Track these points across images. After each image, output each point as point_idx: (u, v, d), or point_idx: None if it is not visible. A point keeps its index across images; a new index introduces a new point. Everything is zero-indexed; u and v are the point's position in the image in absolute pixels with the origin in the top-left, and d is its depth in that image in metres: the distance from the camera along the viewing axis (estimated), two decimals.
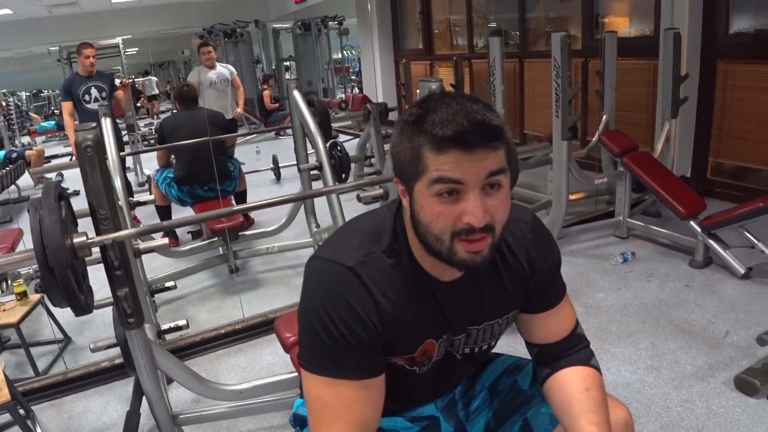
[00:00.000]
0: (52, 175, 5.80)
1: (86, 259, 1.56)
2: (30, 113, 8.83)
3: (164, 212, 4.18)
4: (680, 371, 2.29)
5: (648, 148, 4.03)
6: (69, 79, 4.91)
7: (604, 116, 4.13)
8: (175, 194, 4.00)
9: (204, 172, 3.88)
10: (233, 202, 4.27)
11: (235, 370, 2.65)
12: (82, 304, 1.49)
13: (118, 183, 3.03)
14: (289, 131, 3.94)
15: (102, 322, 3.07)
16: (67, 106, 4.79)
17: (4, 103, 8.26)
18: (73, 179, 5.14)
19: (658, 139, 3.98)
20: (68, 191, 1.63)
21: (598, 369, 1.13)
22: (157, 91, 9.46)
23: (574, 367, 1.11)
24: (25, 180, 5.91)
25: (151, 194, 4.30)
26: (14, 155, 6.14)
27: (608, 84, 4.11)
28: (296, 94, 3.26)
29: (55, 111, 8.58)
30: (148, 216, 4.66)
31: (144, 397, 1.89)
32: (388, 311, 0.97)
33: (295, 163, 3.54)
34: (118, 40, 6.89)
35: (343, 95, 10.05)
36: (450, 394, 1.27)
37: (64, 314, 2.91)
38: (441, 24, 7.63)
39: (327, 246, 1.04)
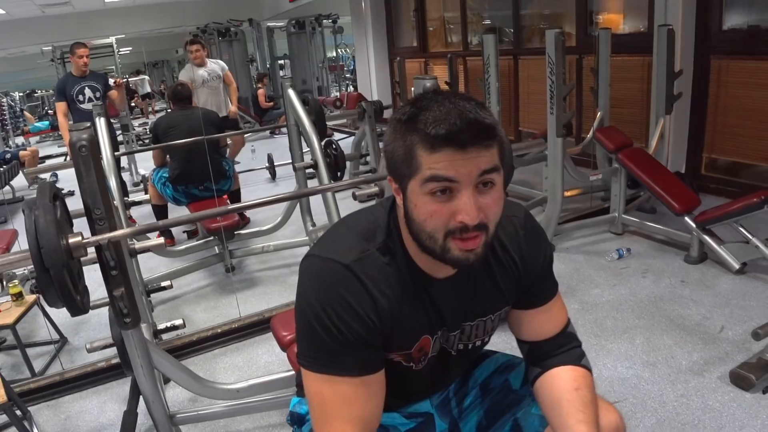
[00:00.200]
0: (47, 176, 5.78)
1: (82, 259, 1.55)
2: (24, 111, 8.79)
3: (161, 211, 4.17)
4: (676, 366, 2.30)
5: (642, 145, 4.05)
6: (63, 80, 4.89)
7: (599, 113, 4.14)
8: (170, 194, 3.99)
9: (199, 172, 3.87)
10: (228, 201, 4.27)
11: (232, 369, 2.65)
12: (78, 305, 1.48)
13: (113, 183, 3.02)
14: (284, 130, 3.94)
15: (98, 322, 3.07)
16: (61, 107, 4.77)
17: None
18: (67, 179, 5.13)
19: (652, 135, 3.99)
20: (63, 191, 1.62)
21: (589, 369, 1.13)
22: (149, 90, 9.44)
23: (564, 367, 1.11)
24: (20, 180, 5.89)
25: (146, 194, 4.29)
26: (8, 156, 6.11)
27: (602, 81, 4.12)
28: (291, 92, 3.25)
29: (49, 111, 8.56)
30: (143, 216, 4.66)
31: (141, 397, 1.89)
32: (385, 307, 0.97)
33: (290, 161, 3.54)
34: (112, 39, 6.87)
35: (337, 93, 10.05)
36: (445, 391, 1.28)
37: (60, 315, 2.91)
38: (435, 22, 7.63)
39: (321, 244, 1.04)
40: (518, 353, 1.22)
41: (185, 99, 4.18)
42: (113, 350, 1.93)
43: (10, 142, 7.96)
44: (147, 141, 5.23)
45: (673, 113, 3.93)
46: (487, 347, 1.26)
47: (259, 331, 2.88)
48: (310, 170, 3.22)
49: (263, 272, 3.78)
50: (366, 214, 1.06)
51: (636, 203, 3.98)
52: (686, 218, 3.18)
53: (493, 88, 3.92)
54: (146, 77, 9.56)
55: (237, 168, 4.63)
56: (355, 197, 2.46)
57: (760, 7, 4.01)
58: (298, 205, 3.75)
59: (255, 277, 3.73)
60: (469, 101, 0.88)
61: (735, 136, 4.14)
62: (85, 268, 1.65)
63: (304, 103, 3.30)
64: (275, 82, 9.70)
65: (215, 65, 5.49)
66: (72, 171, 1.54)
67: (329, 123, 5.03)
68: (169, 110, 4.65)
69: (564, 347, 1.14)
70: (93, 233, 1.54)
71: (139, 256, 2.53)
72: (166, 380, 2.37)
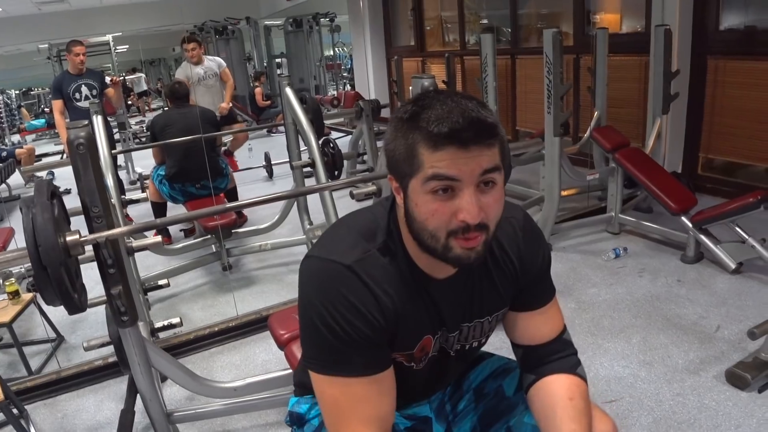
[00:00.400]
0: (43, 174, 5.77)
1: (79, 257, 1.55)
2: (21, 107, 8.75)
3: (160, 209, 4.16)
4: (672, 365, 2.31)
5: (639, 144, 4.05)
6: (59, 78, 4.88)
7: (596, 112, 4.15)
8: (167, 191, 3.99)
9: (196, 170, 3.87)
10: (225, 200, 4.26)
11: (229, 368, 2.65)
12: (76, 303, 1.48)
13: (110, 181, 3.02)
14: (282, 128, 3.93)
15: (95, 320, 3.06)
16: (57, 105, 4.76)
17: None
18: (63, 177, 5.12)
19: (649, 135, 4.00)
20: (60, 189, 1.62)
21: (584, 378, 1.12)
22: (146, 88, 9.42)
23: (559, 375, 1.10)
24: (16, 179, 5.88)
25: (143, 192, 4.29)
26: (4, 154, 6.09)
27: (600, 80, 4.13)
28: (288, 91, 3.25)
29: (45, 109, 8.52)
30: (140, 214, 4.65)
31: (138, 395, 1.89)
32: (389, 307, 0.97)
33: (288, 160, 3.53)
34: (109, 37, 6.85)
35: (335, 92, 10.03)
36: (442, 393, 1.28)
37: (57, 313, 2.90)
38: (433, 21, 7.63)
39: (321, 245, 1.03)
40: (513, 355, 1.22)
41: (182, 97, 4.18)
42: (110, 348, 1.93)
43: (6, 140, 7.92)
44: (144, 139, 5.21)
45: (670, 113, 3.95)
46: (485, 347, 1.26)
47: (257, 329, 2.88)
48: (308, 169, 3.22)
49: (260, 271, 3.78)
50: (365, 213, 1.06)
51: (633, 203, 3.99)
52: (683, 218, 3.19)
53: (490, 87, 3.92)
54: (143, 75, 9.54)
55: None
56: (352, 196, 2.46)
57: (757, 8, 4.02)
58: (296, 203, 3.75)
59: (252, 275, 3.73)
60: (471, 100, 0.88)
61: (731, 136, 4.15)
62: (81, 266, 1.65)
63: (302, 101, 3.30)
64: (272, 80, 9.68)
65: (212, 63, 5.47)
66: (68, 169, 1.54)
67: (326, 122, 5.01)
68: (166, 108, 4.64)
69: (559, 354, 1.13)
70: (90, 231, 1.54)
71: (136, 254, 2.53)
72: (164, 379, 2.37)
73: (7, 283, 2.78)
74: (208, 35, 8.94)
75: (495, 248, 1.06)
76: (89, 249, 1.53)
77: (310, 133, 3.08)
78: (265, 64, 10.29)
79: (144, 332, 1.87)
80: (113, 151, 3.56)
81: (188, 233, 4.39)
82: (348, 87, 10.41)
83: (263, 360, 2.67)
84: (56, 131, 6.45)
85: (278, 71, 10.17)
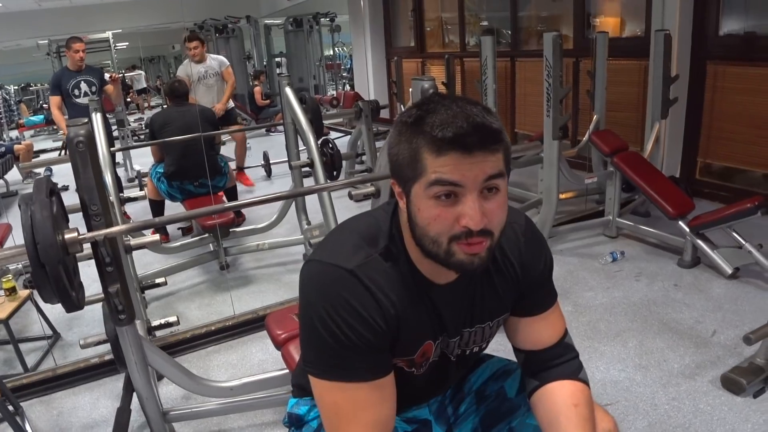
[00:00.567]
0: (41, 170, 5.76)
1: (77, 255, 1.55)
2: (21, 102, 8.73)
3: (157, 207, 4.16)
4: (668, 370, 2.31)
5: (638, 148, 4.06)
6: (58, 74, 4.88)
7: (595, 116, 4.15)
8: (165, 189, 3.98)
9: (194, 168, 3.87)
10: (224, 198, 4.26)
11: (226, 367, 2.65)
12: (74, 301, 1.48)
13: (108, 179, 3.01)
14: (280, 128, 3.93)
15: (91, 318, 3.06)
16: (55, 101, 4.76)
17: None
18: (61, 174, 5.11)
19: (647, 139, 4.01)
20: (58, 186, 1.62)
21: (586, 383, 1.12)
22: (145, 85, 9.41)
23: (562, 381, 1.10)
24: (13, 175, 5.87)
25: (141, 190, 4.28)
26: (2, 149, 6.07)
27: (599, 84, 4.13)
28: (288, 90, 3.25)
29: (44, 105, 8.50)
30: (137, 213, 4.64)
31: (134, 394, 1.89)
32: (391, 312, 0.96)
33: (286, 159, 3.53)
34: (108, 34, 6.84)
35: (334, 92, 10.03)
36: (441, 397, 1.27)
37: (53, 310, 2.89)
38: (433, 22, 7.63)
39: (323, 249, 1.02)
40: (513, 356, 1.22)
41: (181, 95, 4.19)
42: (107, 346, 1.93)
43: (5, 136, 7.90)
44: (142, 137, 5.21)
45: (669, 118, 3.96)
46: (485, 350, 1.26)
47: (254, 329, 2.88)
48: (306, 169, 3.22)
49: (258, 270, 3.77)
50: (367, 218, 1.05)
51: (630, 207, 3.99)
52: (680, 222, 3.20)
53: (490, 89, 3.93)
54: (142, 72, 9.52)
55: (232, 165, 4.62)
56: (351, 196, 2.46)
57: (757, 14, 4.03)
58: (294, 203, 3.75)
59: (249, 275, 3.72)
60: (476, 105, 0.88)
61: (730, 141, 4.15)
62: (79, 264, 1.65)
63: (301, 101, 3.30)
64: (272, 79, 9.67)
65: (214, 61, 5.44)
66: (66, 165, 1.54)
67: (326, 122, 5.01)
68: (165, 106, 4.63)
69: (561, 358, 1.13)
70: (89, 229, 1.54)
71: (134, 252, 2.53)
72: (160, 377, 2.37)
73: (3, 280, 2.78)
74: (208, 33, 8.93)
75: (497, 253, 1.06)
76: (87, 247, 1.53)
77: (309, 133, 3.08)
78: (264, 63, 10.28)
79: (141, 330, 1.86)
80: (112, 149, 3.55)
81: (186, 232, 4.39)
82: (347, 87, 10.40)
83: (260, 360, 2.67)
84: (55, 127, 6.43)
85: (278, 70, 10.15)
